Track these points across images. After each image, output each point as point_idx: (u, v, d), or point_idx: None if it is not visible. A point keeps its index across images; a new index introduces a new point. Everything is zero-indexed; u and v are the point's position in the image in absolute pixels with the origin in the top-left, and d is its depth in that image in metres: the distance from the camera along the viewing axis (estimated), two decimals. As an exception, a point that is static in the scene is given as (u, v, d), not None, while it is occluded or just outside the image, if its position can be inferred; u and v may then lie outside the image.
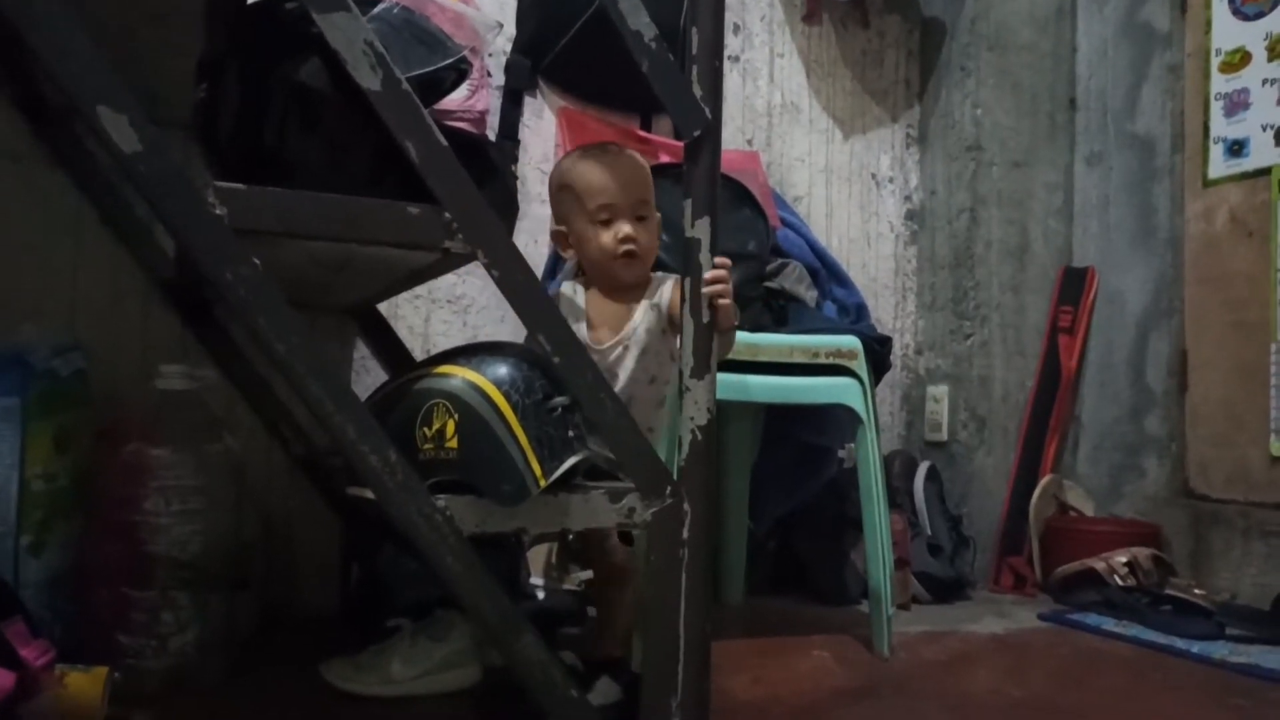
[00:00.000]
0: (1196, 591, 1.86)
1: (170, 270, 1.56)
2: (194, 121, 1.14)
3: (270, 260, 0.96)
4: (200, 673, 1.28)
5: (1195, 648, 1.66)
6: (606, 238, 1.28)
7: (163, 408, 1.31)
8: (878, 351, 1.97)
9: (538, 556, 1.85)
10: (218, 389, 1.54)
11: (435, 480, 1.03)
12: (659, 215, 1.33)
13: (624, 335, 1.28)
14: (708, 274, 1.11)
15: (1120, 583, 1.93)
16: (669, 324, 1.28)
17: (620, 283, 1.31)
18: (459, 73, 1.20)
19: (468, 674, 1.32)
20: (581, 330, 1.29)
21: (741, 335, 1.56)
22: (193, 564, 1.28)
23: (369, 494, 1.05)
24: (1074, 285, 2.36)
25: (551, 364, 1.07)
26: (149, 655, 1.24)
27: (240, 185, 0.95)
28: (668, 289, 1.29)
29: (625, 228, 1.27)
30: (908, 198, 2.54)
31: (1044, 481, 2.25)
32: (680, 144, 1.16)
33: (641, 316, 1.29)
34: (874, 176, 2.49)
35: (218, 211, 0.92)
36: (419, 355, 1.80)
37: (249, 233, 0.94)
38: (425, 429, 1.06)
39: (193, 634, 1.27)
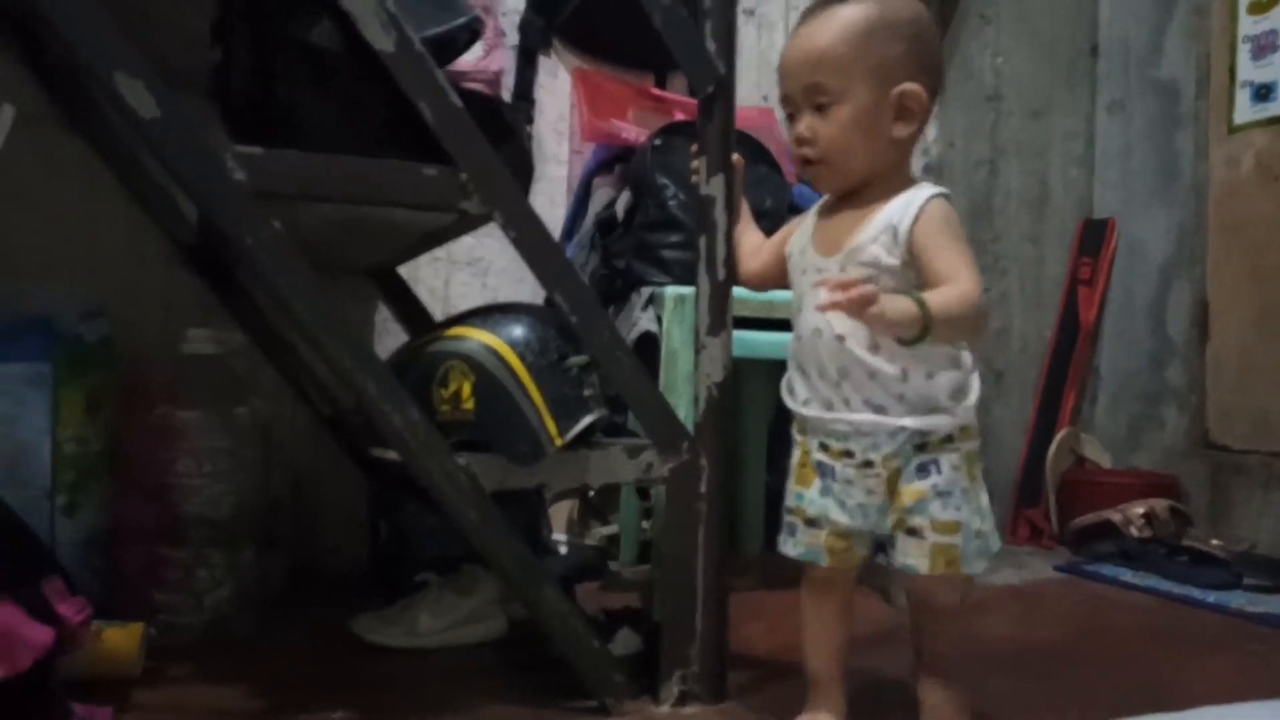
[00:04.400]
0: (1214, 542, 1.86)
1: (191, 234, 1.58)
2: (209, 84, 1.15)
3: (289, 223, 0.97)
4: (234, 627, 1.32)
5: (1211, 597, 1.66)
6: (791, 136, 0.99)
7: (189, 372, 1.34)
8: (895, 306, 1.97)
9: (560, 513, 1.88)
10: (243, 351, 1.56)
11: (454, 440, 1.05)
12: (861, 100, 0.94)
13: (844, 252, 0.96)
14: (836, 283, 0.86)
15: (1136, 534, 1.94)
16: (910, 256, 0.93)
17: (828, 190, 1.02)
18: (472, 32, 1.20)
19: (493, 626, 1.35)
20: (806, 249, 1.01)
21: (757, 294, 1.56)
22: (224, 523, 1.31)
23: (392, 455, 1.07)
24: (1094, 237, 2.33)
25: (568, 323, 1.08)
26: (184, 611, 1.28)
27: (258, 149, 0.96)
28: (914, 208, 0.93)
29: (799, 123, 0.97)
30: (925, 151, 2.50)
31: (1061, 434, 2.25)
32: (695, 101, 1.16)
33: (871, 234, 0.95)
34: (892, 128, 2.46)
35: (237, 176, 0.93)
36: (439, 317, 1.82)
37: (268, 196, 0.95)
38: (441, 390, 1.08)
39: (226, 590, 1.31)
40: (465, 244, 1.94)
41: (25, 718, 0.95)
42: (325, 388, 1.68)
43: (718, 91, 1.13)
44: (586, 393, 1.10)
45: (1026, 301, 2.35)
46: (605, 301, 1.78)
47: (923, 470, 0.95)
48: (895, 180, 0.97)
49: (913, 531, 0.96)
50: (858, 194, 0.98)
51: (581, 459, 1.10)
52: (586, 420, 1.09)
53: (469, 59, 1.90)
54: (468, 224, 1.21)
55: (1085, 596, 1.74)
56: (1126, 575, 1.83)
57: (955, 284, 0.90)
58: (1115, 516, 1.98)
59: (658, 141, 1.83)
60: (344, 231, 1.28)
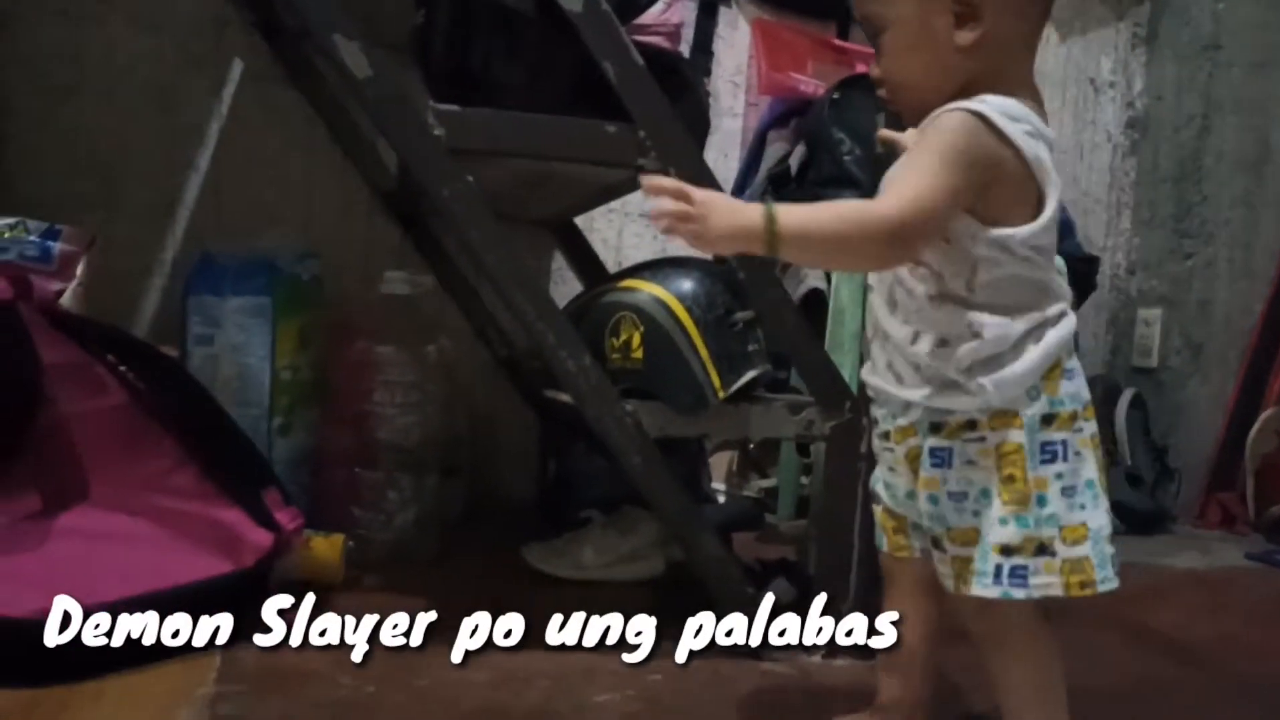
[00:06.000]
0: None
1: (391, 183, 1.70)
2: (411, 45, 1.23)
3: (479, 176, 1.04)
4: (418, 547, 1.44)
5: None
6: None
7: (386, 310, 1.46)
8: (1083, 271, 1.88)
9: (719, 464, 1.92)
10: (432, 294, 1.68)
11: (622, 388, 1.10)
12: (905, 16, 0.78)
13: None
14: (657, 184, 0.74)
15: (1345, 527, 1.79)
16: None
17: None
18: (654, -9, 1.23)
19: (651, 566, 1.41)
20: None
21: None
22: (413, 451, 1.43)
23: (564, 397, 1.14)
24: (1321, 201, 2.12)
25: (736, 279, 1.11)
26: (377, 528, 1.41)
27: (456, 107, 1.03)
28: (917, 134, 0.79)
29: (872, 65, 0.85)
30: (1130, 104, 2.34)
31: (1266, 414, 2.08)
32: (876, 54, 1.14)
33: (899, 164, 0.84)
34: (1092, 81, 2.31)
35: (436, 132, 1.01)
36: (611, 267, 1.88)
37: (463, 151, 1.02)
38: (613, 339, 1.13)
39: (413, 512, 1.43)
40: (638, 197, 1.98)
41: (247, 609, 1.09)
42: (504, 331, 1.78)
43: (901, 47, 1.10)
44: (751, 348, 1.13)
45: (1234, 271, 2.16)
46: (774, 257, 1.79)
47: (936, 457, 0.79)
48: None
49: (937, 543, 0.81)
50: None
51: (743, 412, 1.13)
52: (750, 375, 1.12)
53: (651, 12, 1.93)
54: (644, 179, 1.25)
55: (1276, 588, 1.62)
56: (1329, 571, 1.70)
57: (879, 198, 0.76)
58: (1320, 507, 1.83)
59: (835, 95, 1.80)
60: (527, 185, 1.35)
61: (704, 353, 1.09)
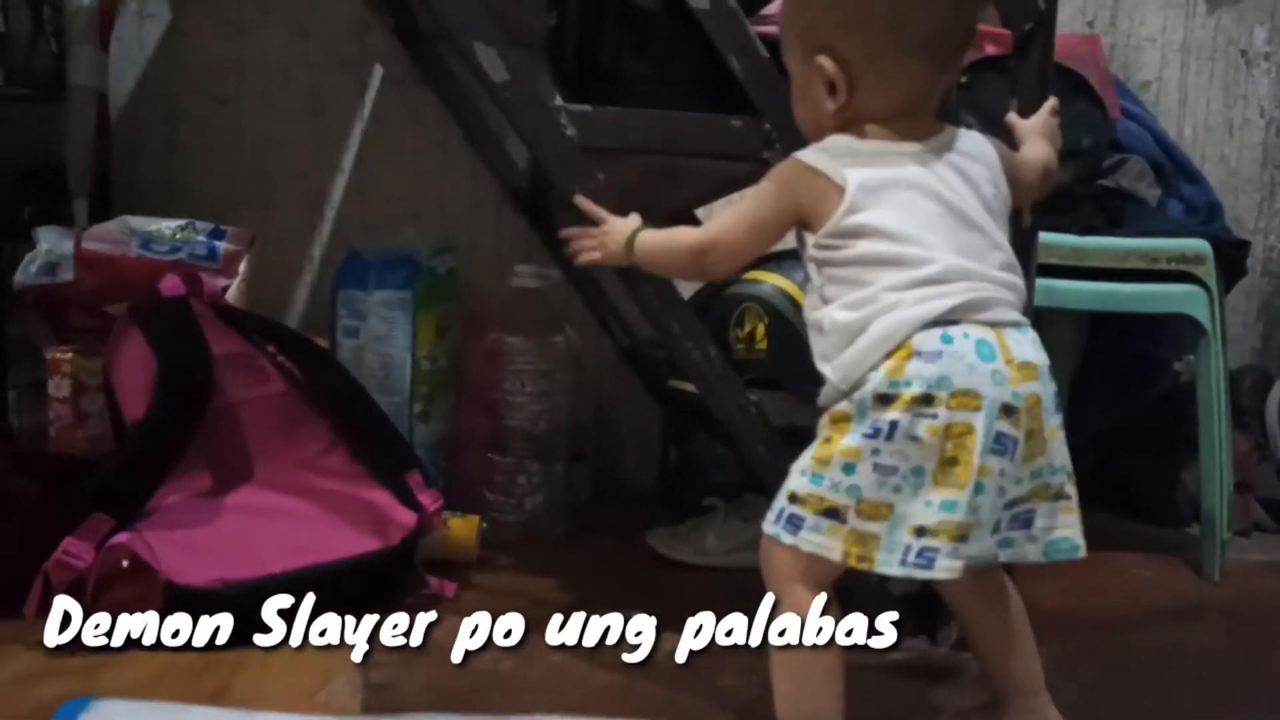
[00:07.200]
0: None
1: (519, 179, 1.76)
2: (545, 46, 1.27)
3: (608, 172, 1.07)
4: (547, 529, 1.50)
5: None
6: None
7: (516, 302, 1.52)
8: (1231, 256, 1.78)
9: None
10: (559, 286, 1.73)
11: (747, 378, 1.12)
12: (795, 72, 0.90)
13: None
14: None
15: None
16: None
17: None
18: (777, -17, 1.23)
19: (774, 554, 1.42)
20: None
21: (1067, 238, 1.48)
22: (541, 437, 1.49)
23: (688, 387, 1.17)
24: None
25: (863, 269, 1.10)
26: (508, 511, 1.47)
27: (588, 107, 1.06)
28: None
29: None
30: (1301, 71, 2.19)
31: None
32: (1008, 33, 1.11)
33: None
34: (1244, 54, 2.17)
35: (569, 132, 1.04)
36: (732, 257, 1.88)
37: (594, 150, 1.06)
38: (738, 330, 1.15)
39: (542, 496, 1.49)
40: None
41: (393, 584, 1.17)
42: (625, 322, 1.81)
43: (1036, 28, 1.08)
44: (878, 338, 1.12)
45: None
46: (900, 245, 1.76)
47: None
48: None
49: None
50: None
51: (869, 402, 1.12)
52: (877, 365, 1.11)
53: (775, 3, 1.92)
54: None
55: None
56: None
57: (697, 229, 0.96)
58: None
59: (964, 79, 1.75)
60: (653, 179, 1.37)
61: (829, 343, 1.10)
